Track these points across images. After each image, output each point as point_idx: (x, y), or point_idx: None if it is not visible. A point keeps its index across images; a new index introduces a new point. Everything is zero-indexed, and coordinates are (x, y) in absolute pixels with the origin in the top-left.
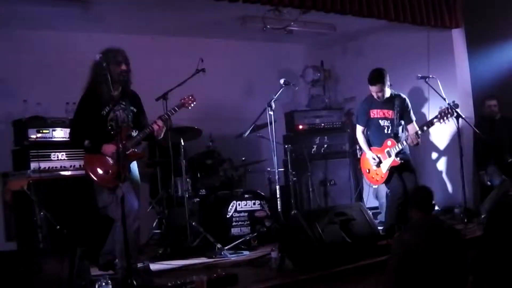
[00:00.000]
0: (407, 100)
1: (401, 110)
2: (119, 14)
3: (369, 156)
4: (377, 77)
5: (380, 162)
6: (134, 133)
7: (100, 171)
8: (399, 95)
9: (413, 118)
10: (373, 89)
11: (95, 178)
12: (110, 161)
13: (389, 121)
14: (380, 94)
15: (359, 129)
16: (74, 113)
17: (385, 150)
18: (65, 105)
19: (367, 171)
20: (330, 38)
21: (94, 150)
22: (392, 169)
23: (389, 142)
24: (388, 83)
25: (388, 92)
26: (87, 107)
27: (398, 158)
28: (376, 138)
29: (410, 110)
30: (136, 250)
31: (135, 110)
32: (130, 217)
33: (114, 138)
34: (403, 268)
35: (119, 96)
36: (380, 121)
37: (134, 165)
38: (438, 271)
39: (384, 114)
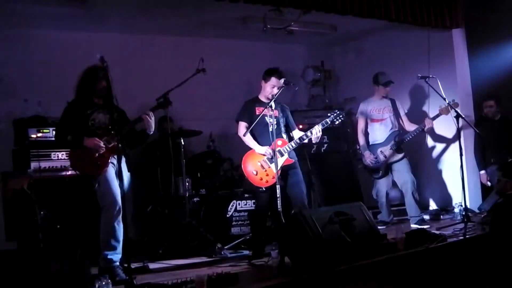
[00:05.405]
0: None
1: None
2: (119, 14)
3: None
4: None
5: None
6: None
7: (84, 162)
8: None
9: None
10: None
11: (81, 170)
12: (93, 152)
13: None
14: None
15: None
16: (60, 116)
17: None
18: (66, 104)
19: (254, 172)
20: (331, 38)
21: (76, 144)
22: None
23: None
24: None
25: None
26: (73, 109)
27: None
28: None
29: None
30: (118, 241)
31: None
32: (112, 207)
33: (97, 135)
34: None
35: (101, 103)
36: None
37: (123, 165)
38: None
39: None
